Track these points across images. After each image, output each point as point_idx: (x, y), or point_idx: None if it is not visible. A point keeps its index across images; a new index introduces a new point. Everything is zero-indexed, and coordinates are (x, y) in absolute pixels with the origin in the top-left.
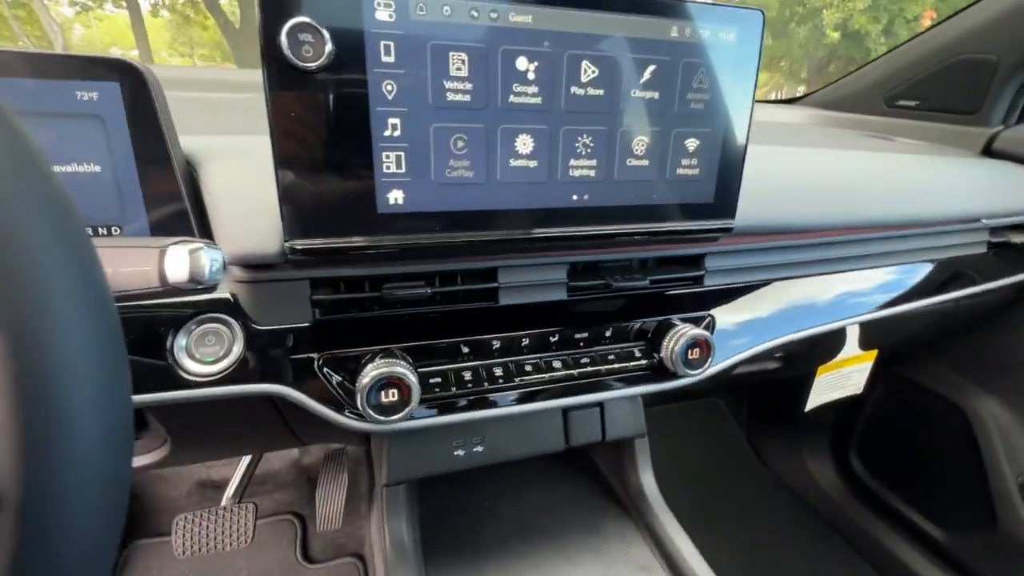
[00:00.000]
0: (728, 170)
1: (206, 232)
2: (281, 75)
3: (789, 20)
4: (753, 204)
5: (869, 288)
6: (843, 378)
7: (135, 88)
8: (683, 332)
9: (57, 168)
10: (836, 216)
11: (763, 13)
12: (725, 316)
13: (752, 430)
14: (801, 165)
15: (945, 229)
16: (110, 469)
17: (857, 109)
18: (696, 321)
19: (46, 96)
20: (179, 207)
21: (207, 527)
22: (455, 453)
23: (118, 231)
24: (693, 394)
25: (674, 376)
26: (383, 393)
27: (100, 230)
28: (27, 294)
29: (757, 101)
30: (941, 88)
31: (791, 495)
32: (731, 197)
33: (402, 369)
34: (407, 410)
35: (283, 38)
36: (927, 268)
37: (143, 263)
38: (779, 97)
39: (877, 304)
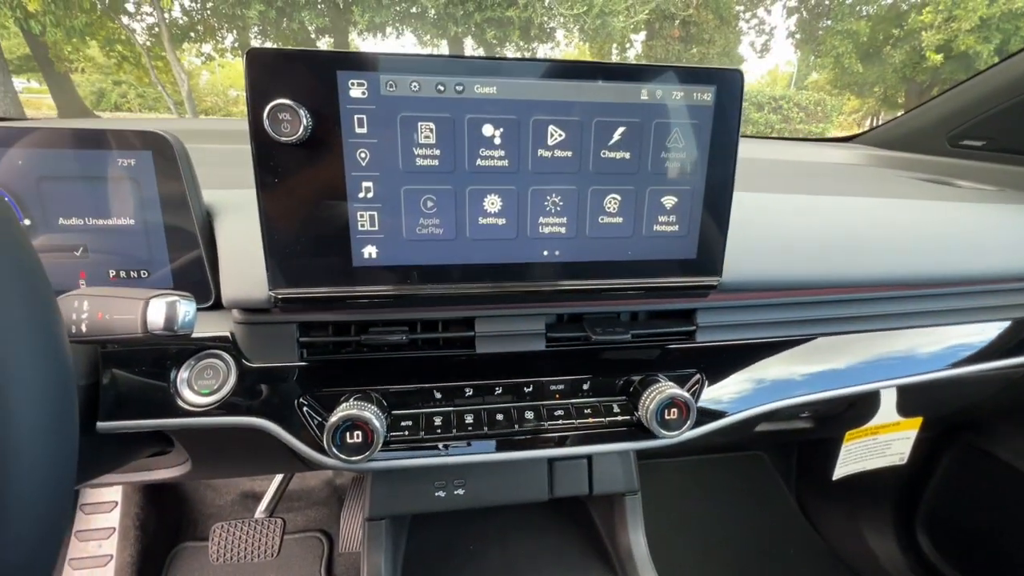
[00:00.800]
0: (711, 226)
1: (216, 276)
2: (264, 148)
3: (884, 44)
4: (759, 257)
5: (903, 350)
6: (880, 446)
7: (164, 156)
8: (661, 390)
9: (101, 221)
10: (851, 272)
11: (742, 73)
12: (718, 374)
13: (802, 491)
14: (829, 214)
15: (1004, 288)
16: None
17: (918, 149)
18: (682, 379)
19: (95, 163)
20: (196, 255)
21: (240, 537)
22: (436, 494)
23: (145, 274)
24: (733, 447)
25: (651, 436)
26: (348, 434)
27: (131, 273)
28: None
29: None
30: (1012, 126)
31: (843, 567)
32: (715, 253)
33: (368, 413)
34: (369, 452)
35: (264, 118)
36: (978, 328)
37: (129, 312)
38: (876, 123)
39: (914, 368)
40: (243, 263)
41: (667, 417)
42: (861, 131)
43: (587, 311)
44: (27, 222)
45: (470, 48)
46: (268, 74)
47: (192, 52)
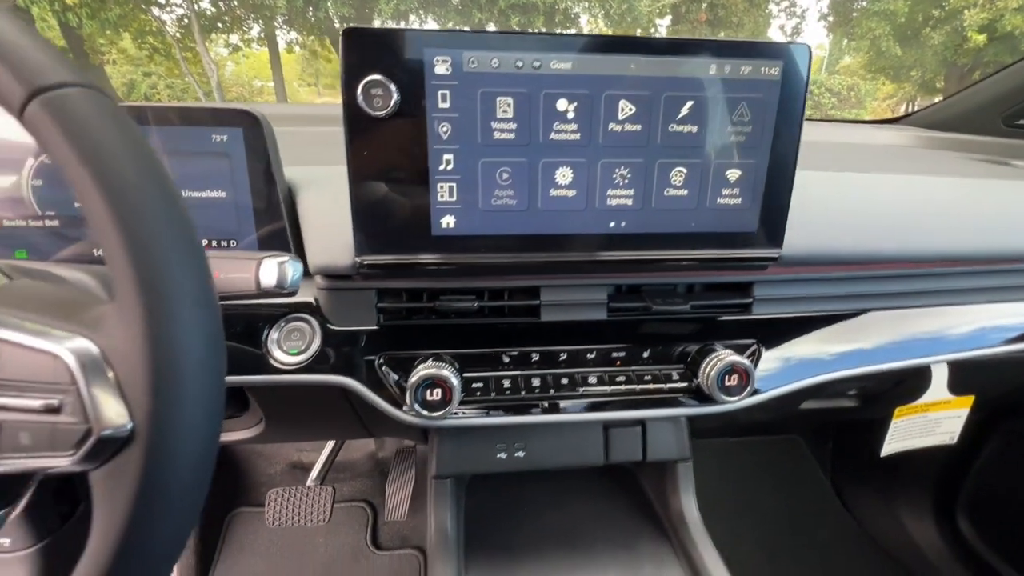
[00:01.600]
0: (773, 199)
1: (299, 246)
2: (356, 122)
3: (923, 25)
4: (815, 232)
5: (957, 326)
6: (931, 424)
7: (254, 132)
8: (722, 358)
9: (195, 193)
10: (907, 247)
11: (809, 48)
12: (774, 346)
13: (837, 474)
14: (883, 191)
15: None
16: (212, 408)
17: (970, 129)
18: (739, 349)
19: (191, 139)
20: (280, 226)
21: (294, 502)
22: (498, 455)
23: (234, 243)
24: (772, 429)
25: (711, 401)
26: (428, 392)
27: (221, 242)
28: (162, 286)
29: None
30: None
31: (879, 550)
32: (776, 226)
33: (447, 372)
34: (447, 409)
35: (359, 92)
36: None
37: (244, 271)
38: (911, 109)
39: (967, 344)
40: (327, 233)
41: (727, 383)
42: (901, 115)
43: (646, 282)
44: None
45: None
46: (362, 52)
47: (220, 43)
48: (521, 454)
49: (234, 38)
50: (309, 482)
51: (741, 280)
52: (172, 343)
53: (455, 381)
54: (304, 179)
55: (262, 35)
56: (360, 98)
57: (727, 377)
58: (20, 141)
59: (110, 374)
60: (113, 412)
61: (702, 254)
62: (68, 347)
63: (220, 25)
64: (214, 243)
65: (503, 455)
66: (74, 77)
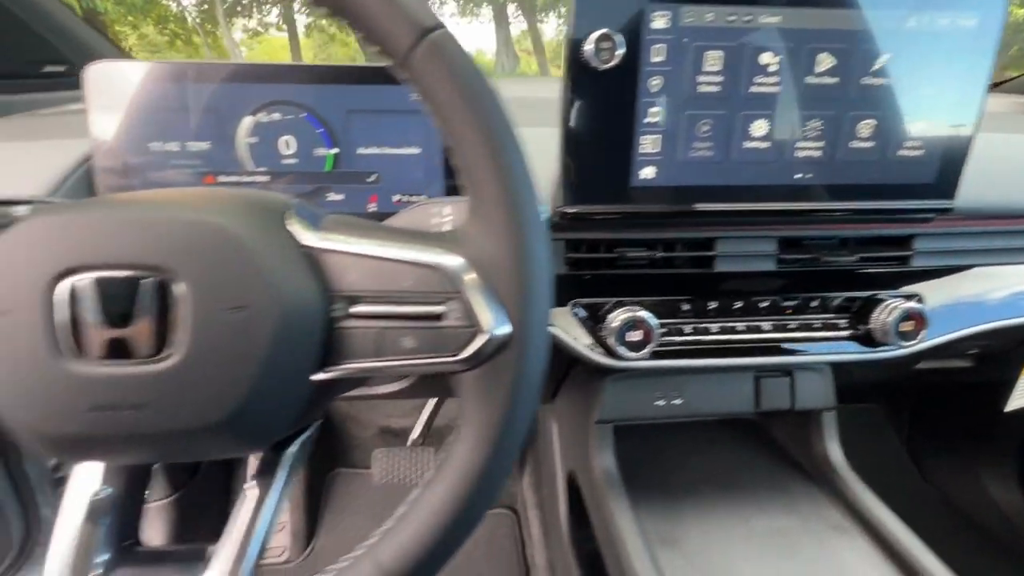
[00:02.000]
0: (953, 151)
1: None
2: (580, 75)
3: None
4: (977, 186)
5: None
6: None
7: None
8: (896, 305)
9: (391, 150)
10: None
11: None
12: (937, 296)
13: (915, 443)
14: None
15: None
16: (549, 314)
17: None
18: (905, 298)
19: (393, 97)
20: None
21: (399, 462)
22: (656, 403)
23: (424, 197)
24: (848, 398)
25: (882, 346)
26: (629, 333)
27: (412, 197)
28: (527, 209)
29: None
30: None
31: (962, 517)
32: (953, 177)
33: (644, 314)
34: (648, 349)
35: (589, 45)
36: None
37: None
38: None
39: None
40: None
41: (902, 329)
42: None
43: (812, 235)
44: (335, 150)
45: (512, 13)
46: (594, 5)
47: (237, 28)
48: (678, 402)
49: (252, 23)
50: (409, 443)
51: (904, 233)
52: (536, 256)
53: (654, 322)
54: None
55: (280, 21)
56: (590, 51)
57: (903, 323)
58: (232, 103)
59: (486, 284)
60: (494, 318)
61: (878, 205)
62: (448, 261)
63: (239, 9)
64: (404, 198)
65: (661, 403)
66: (439, 20)
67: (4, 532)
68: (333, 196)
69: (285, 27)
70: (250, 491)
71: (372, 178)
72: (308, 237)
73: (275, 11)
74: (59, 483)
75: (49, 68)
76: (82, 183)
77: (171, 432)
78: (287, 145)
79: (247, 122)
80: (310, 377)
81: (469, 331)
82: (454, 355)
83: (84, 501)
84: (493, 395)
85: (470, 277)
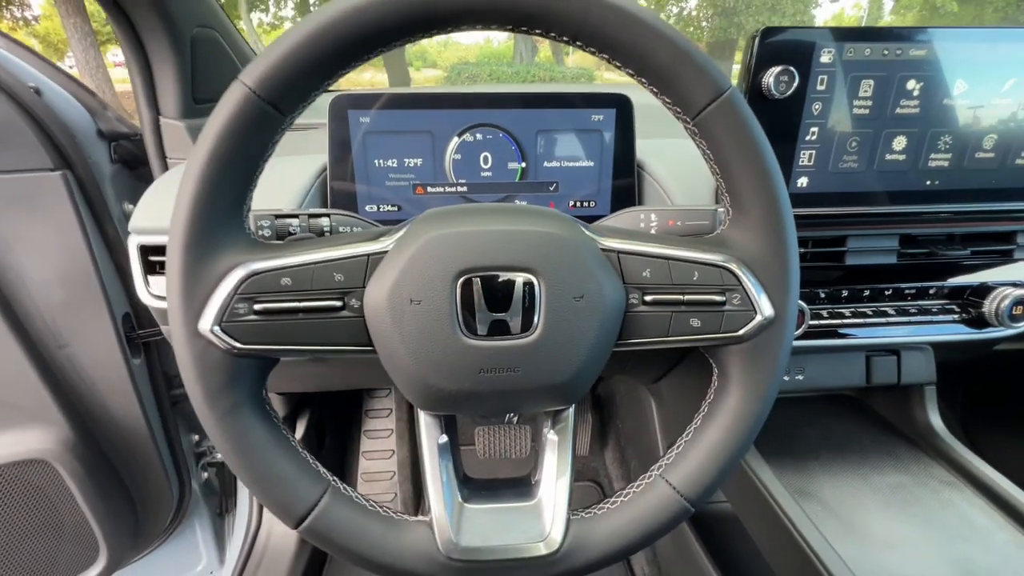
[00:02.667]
0: None
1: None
2: (755, 101)
3: None
4: None
5: None
6: None
7: (623, 111)
8: (1007, 293)
9: (570, 164)
10: None
11: None
12: None
13: (969, 421)
14: None
15: None
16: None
17: None
18: (1013, 286)
19: (575, 118)
20: (629, 184)
21: (499, 438)
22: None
23: (593, 204)
24: None
25: (993, 327)
26: None
27: (584, 203)
28: (787, 219)
29: None
30: None
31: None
32: None
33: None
34: (801, 329)
35: (768, 78)
36: None
37: (703, 219)
38: None
39: None
40: (682, 190)
41: (1015, 312)
42: None
43: (930, 232)
44: (524, 164)
45: None
46: (774, 46)
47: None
48: (800, 377)
49: (268, 16)
50: (506, 421)
51: (1008, 229)
52: (793, 258)
53: (805, 308)
54: (647, 148)
55: (295, 15)
56: (769, 83)
57: (1015, 307)
58: (444, 125)
59: (756, 276)
60: (766, 303)
61: (996, 206)
62: (727, 260)
63: (258, 3)
64: (579, 203)
65: (786, 378)
66: (729, 81)
67: (166, 498)
68: (519, 203)
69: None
70: (550, 436)
71: (553, 187)
72: (604, 242)
73: (291, 4)
74: (200, 458)
75: None
76: (319, 193)
77: (532, 389)
78: (485, 160)
79: (454, 142)
80: (612, 350)
81: (748, 314)
82: (733, 332)
83: (435, 446)
84: (761, 362)
85: (744, 272)
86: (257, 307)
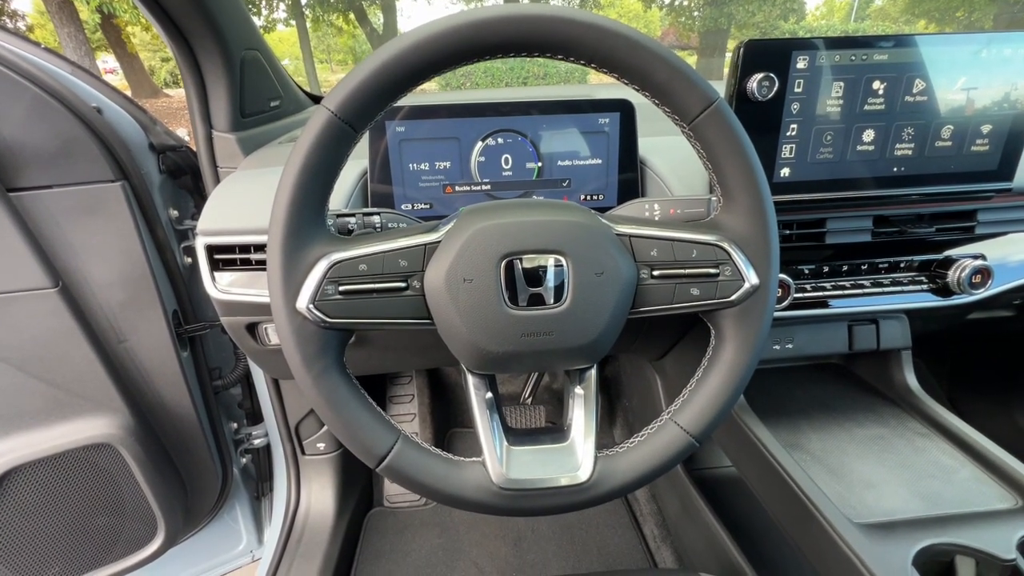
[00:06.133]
0: (1012, 145)
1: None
2: (741, 103)
3: None
4: None
5: None
6: None
7: (627, 114)
8: (967, 264)
9: (579, 162)
10: None
11: None
12: (993, 255)
13: (954, 390)
14: None
15: None
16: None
17: None
18: (972, 257)
19: (583, 121)
20: (633, 179)
21: (515, 418)
22: (774, 348)
23: (601, 197)
24: None
25: (957, 295)
26: None
27: (593, 196)
28: (767, 203)
29: None
30: None
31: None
32: (1012, 164)
33: (784, 276)
34: (787, 301)
35: (751, 84)
36: None
37: (698, 207)
38: None
39: None
40: (679, 184)
41: (974, 281)
42: None
43: (899, 213)
44: (540, 164)
45: None
46: (756, 55)
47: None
48: (790, 346)
49: (260, 20)
50: (522, 402)
51: (969, 208)
52: (773, 233)
53: (791, 282)
54: (648, 147)
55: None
56: (752, 88)
57: (975, 276)
58: (469, 131)
59: (743, 252)
60: (752, 273)
61: (956, 188)
62: (719, 240)
63: (251, 7)
64: (589, 196)
65: (777, 347)
66: (717, 93)
67: (212, 481)
68: (536, 198)
69: (293, 22)
70: (577, 391)
71: (566, 183)
72: (617, 227)
73: (282, 6)
74: (238, 444)
75: (273, 103)
76: (361, 194)
77: (564, 349)
78: (506, 161)
79: (479, 146)
80: (627, 317)
81: (737, 283)
82: (726, 298)
83: (483, 401)
84: (750, 321)
85: (734, 249)
86: (341, 288)
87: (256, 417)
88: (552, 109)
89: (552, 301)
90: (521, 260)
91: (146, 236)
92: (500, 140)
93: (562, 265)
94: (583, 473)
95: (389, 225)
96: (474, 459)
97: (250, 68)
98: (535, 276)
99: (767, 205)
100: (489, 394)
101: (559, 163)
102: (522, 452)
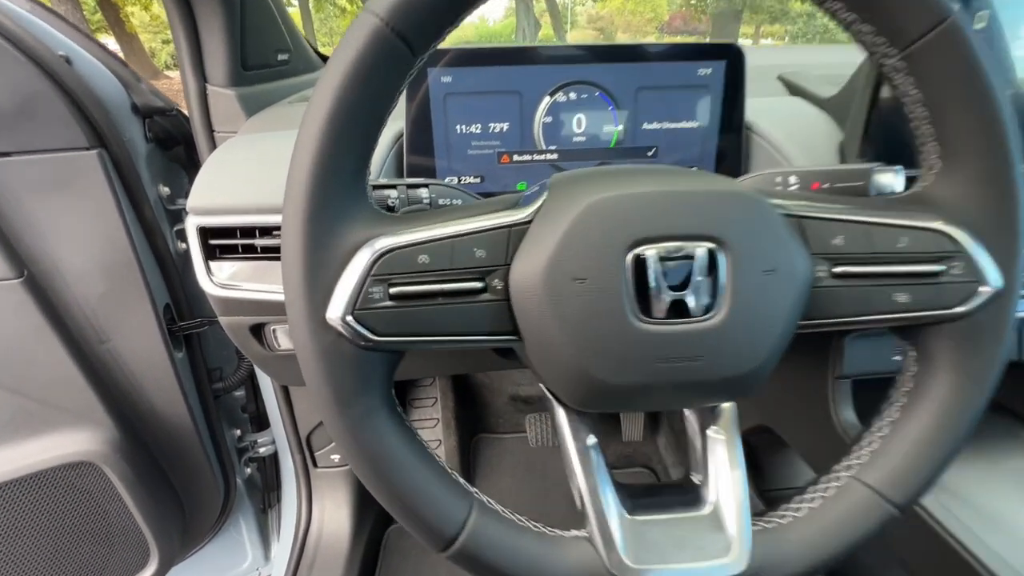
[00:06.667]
0: None
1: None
2: None
3: None
4: None
5: None
6: None
7: (734, 64)
8: None
9: (672, 125)
10: None
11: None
12: None
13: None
14: None
15: None
16: None
17: None
18: None
19: (679, 73)
20: (736, 146)
21: (551, 426)
22: (894, 358)
23: (695, 168)
24: None
25: None
26: None
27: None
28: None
29: None
30: None
31: None
32: None
33: None
34: None
35: None
36: None
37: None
38: None
39: None
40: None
41: None
42: None
43: None
44: (620, 127)
45: None
46: None
47: None
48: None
49: None
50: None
51: None
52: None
53: None
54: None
55: None
56: None
57: None
58: (534, 84)
59: (982, 241)
60: (994, 272)
61: None
62: (944, 221)
63: None
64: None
65: (898, 357)
66: (952, 5)
67: (212, 496)
68: (653, 165)
69: (295, 1)
70: (714, 434)
71: (651, 152)
72: (788, 205)
73: None
74: (242, 453)
75: (281, 57)
76: (394, 163)
77: (713, 381)
78: (578, 124)
79: (545, 102)
80: (793, 332)
81: (969, 286)
82: (951, 308)
83: (586, 449)
84: (982, 343)
85: (969, 237)
86: (393, 290)
87: (262, 422)
88: (639, 56)
89: (701, 311)
90: (658, 251)
91: (130, 216)
92: (572, 95)
93: (717, 258)
94: (737, 559)
95: (441, 202)
96: (577, 533)
97: (253, 9)
98: (677, 275)
99: (1016, 169)
100: (592, 438)
101: (644, 126)
102: (645, 525)
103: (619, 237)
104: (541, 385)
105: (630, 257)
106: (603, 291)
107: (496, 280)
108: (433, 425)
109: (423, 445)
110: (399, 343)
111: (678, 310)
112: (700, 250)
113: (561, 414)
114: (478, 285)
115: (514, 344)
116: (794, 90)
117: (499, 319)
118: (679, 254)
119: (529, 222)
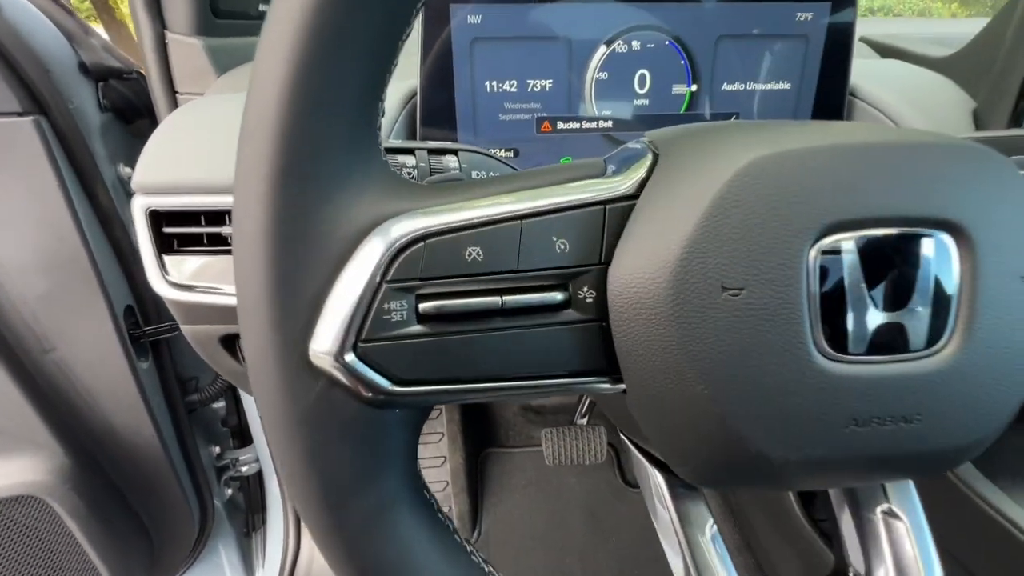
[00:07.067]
0: None
1: None
2: None
3: None
4: None
5: None
6: None
7: (844, 8)
8: None
9: (758, 86)
10: None
11: None
12: None
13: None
14: None
15: None
16: None
17: None
18: None
19: (773, 18)
20: (836, 111)
21: (570, 441)
22: None
23: None
24: None
25: None
26: None
27: None
28: None
29: None
30: None
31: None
32: None
33: None
34: None
35: None
36: None
37: None
38: None
39: None
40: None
41: None
42: None
43: None
44: (694, 87)
45: None
46: None
47: None
48: None
49: None
50: (578, 421)
51: None
52: None
53: None
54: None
55: None
56: None
57: None
58: (587, 29)
59: None
60: None
61: None
62: None
63: None
64: None
65: None
66: None
67: (186, 523)
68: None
69: None
70: (896, 518)
71: (731, 120)
72: None
73: None
74: (222, 472)
75: (263, 7)
76: (404, 128)
77: (931, 451)
78: (641, 82)
79: (600, 52)
80: None
81: None
82: None
83: (708, 538)
84: None
85: None
86: (424, 307)
87: (244, 437)
88: None
89: (924, 342)
90: (860, 247)
91: (79, 199)
92: (635, 45)
93: (949, 255)
94: None
95: (473, 174)
96: None
97: None
98: (886, 283)
99: None
100: (713, 525)
101: (724, 87)
102: None
103: (799, 221)
104: (634, 447)
105: (813, 253)
106: (771, 309)
107: (585, 288)
108: (438, 440)
109: (462, 547)
110: (432, 394)
111: (885, 340)
112: (925, 244)
113: (664, 488)
114: (559, 297)
115: (612, 390)
116: (888, 52)
117: (588, 350)
118: (890, 250)
119: (635, 196)
